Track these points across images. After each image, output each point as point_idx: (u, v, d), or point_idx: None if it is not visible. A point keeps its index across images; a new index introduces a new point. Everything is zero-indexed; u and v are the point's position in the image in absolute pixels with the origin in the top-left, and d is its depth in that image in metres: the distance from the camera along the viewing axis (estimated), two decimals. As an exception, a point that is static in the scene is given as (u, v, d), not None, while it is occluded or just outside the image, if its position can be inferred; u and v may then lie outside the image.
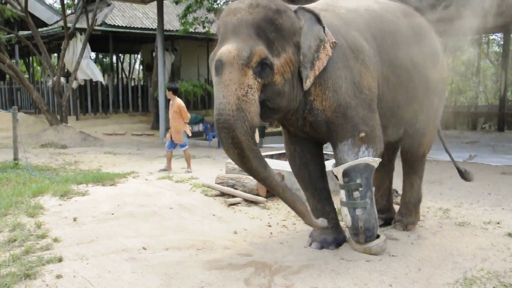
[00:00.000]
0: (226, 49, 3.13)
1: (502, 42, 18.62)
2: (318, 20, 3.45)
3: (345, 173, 3.55)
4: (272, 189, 3.43)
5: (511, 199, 5.53)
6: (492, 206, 5.23)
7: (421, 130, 4.25)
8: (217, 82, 3.14)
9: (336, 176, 3.69)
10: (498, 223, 4.55)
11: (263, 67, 3.14)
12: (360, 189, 3.55)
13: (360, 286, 3.14)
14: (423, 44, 4.09)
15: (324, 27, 3.42)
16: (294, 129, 3.81)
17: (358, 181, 3.53)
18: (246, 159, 3.16)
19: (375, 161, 3.60)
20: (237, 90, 3.07)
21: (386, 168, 4.54)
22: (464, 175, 4.81)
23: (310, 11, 3.47)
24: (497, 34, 21.83)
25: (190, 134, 7.41)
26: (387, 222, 4.52)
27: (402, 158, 4.43)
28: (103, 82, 16.38)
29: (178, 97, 7.28)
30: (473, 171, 7.38)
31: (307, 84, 3.38)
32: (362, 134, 3.54)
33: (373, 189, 3.73)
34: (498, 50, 24.24)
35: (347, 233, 3.91)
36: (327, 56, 3.40)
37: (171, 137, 7.31)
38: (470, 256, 3.69)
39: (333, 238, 3.88)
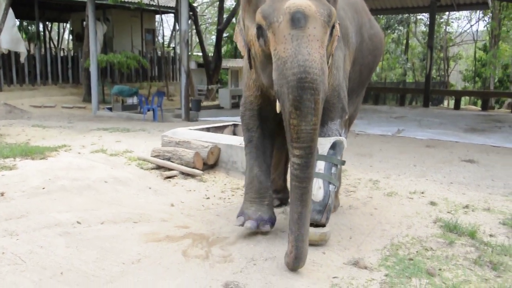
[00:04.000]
0: (303, 2, 2.66)
1: (428, 22, 19.44)
2: None
3: (333, 145, 3.38)
4: (304, 178, 2.73)
5: (434, 170, 5.88)
6: (417, 177, 5.54)
7: (354, 113, 4.37)
8: (296, 36, 2.61)
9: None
10: (422, 192, 4.84)
11: (331, 31, 2.81)
12: (338, 167, 3.42)
13: (295, 254, 3.25)
14: (375, 30, 4.17)
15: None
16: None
17: (339, 157, 3.41)
18: (317, 132, 2.66)
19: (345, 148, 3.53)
20: (320, 48, 2.64)
21: (285, 147, 4.30)
22: None
23: None
24: (424, 14, 22.78)
25: None
26: (282, 202, 4.34)
27: None
28: (22, 54, 15.35)
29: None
30: (400, 144, 7.83)
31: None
32: (346, 117, 3.50)
33: None
34: (425, 29, 25.30)
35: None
36: (337, 36, 3.17)
37: None
38: (397, 224, 3.91)
39: (268, 217, 3.51)
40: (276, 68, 2.67)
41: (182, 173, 5.31)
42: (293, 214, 2.78)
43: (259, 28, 2.78)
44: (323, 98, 2.62)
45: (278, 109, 2.81)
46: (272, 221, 3.49)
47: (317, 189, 3.27)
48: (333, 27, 2.78)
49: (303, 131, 2.60)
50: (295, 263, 2.84)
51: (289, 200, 4.01)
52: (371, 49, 4.06)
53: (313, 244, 3.35)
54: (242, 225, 3.42)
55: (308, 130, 2.60)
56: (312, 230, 3.30)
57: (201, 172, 5.30)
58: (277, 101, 2.76)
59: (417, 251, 3.31)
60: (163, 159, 5.54)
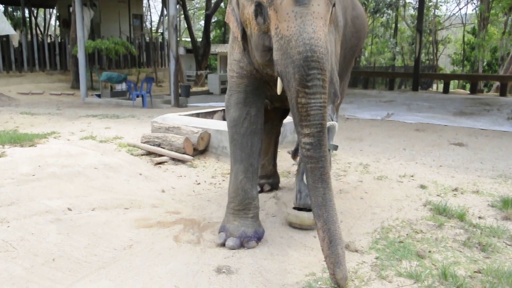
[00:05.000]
0: None
1: (417, 6, 19.41)
2: None
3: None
4: (320, 157, 2.55)
5: (424, 154, 5.93)
6: (407, 160, 5.58)
7: (341, 96, 4.39)
8: (300, 13, 2.48)
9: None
10: (412, 176, 4.88)
11: (332, 10, 2.68)
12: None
13: (286, 238, 3.28)
14: (358, 11, 4.14)
15: None
16: (273, 94, 3.30)
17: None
18: (326, 109, 2.55)
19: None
20: (324, 26, 2.51)
21: (274, 131, 4.34)
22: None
23: None
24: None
25: None
26: (273, 187, 4.38)
27: None
28: (15, 36, 15.15)
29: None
30: (390, 128, 7.87)
31: None
32: (338, 101, 3.48)
33: None
34: (413, 13, 25.26)
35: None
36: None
37: None
38: (387, 207, 3.94)
39: (253, 232, 3.19)
40: (279, 48, 2.55)
41: (173, 159, 5.30)
42: (316, 198, 2.57)
43: (258, 5, 2.66)
44: (329, 77, 2.53)
45: (279, 90, 2.75)
46: (258, 235, 3.20)
47: None
48: (334, 5, 2.68)
49: (313, 108, 2.48)
50: (337, 255, 2.53)
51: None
52: (353, 31, 4.04)
53: (305, 228, 3.39)
54: (224, 244, 3.13)
55: (318, 107, 2.48)
56: (304, 214, 3.36)
57: (191, 157, 5.29)
58: (279, 81, 2.69)
59: (407, 234, 3.35)
60: (153, 145, 5.52)
